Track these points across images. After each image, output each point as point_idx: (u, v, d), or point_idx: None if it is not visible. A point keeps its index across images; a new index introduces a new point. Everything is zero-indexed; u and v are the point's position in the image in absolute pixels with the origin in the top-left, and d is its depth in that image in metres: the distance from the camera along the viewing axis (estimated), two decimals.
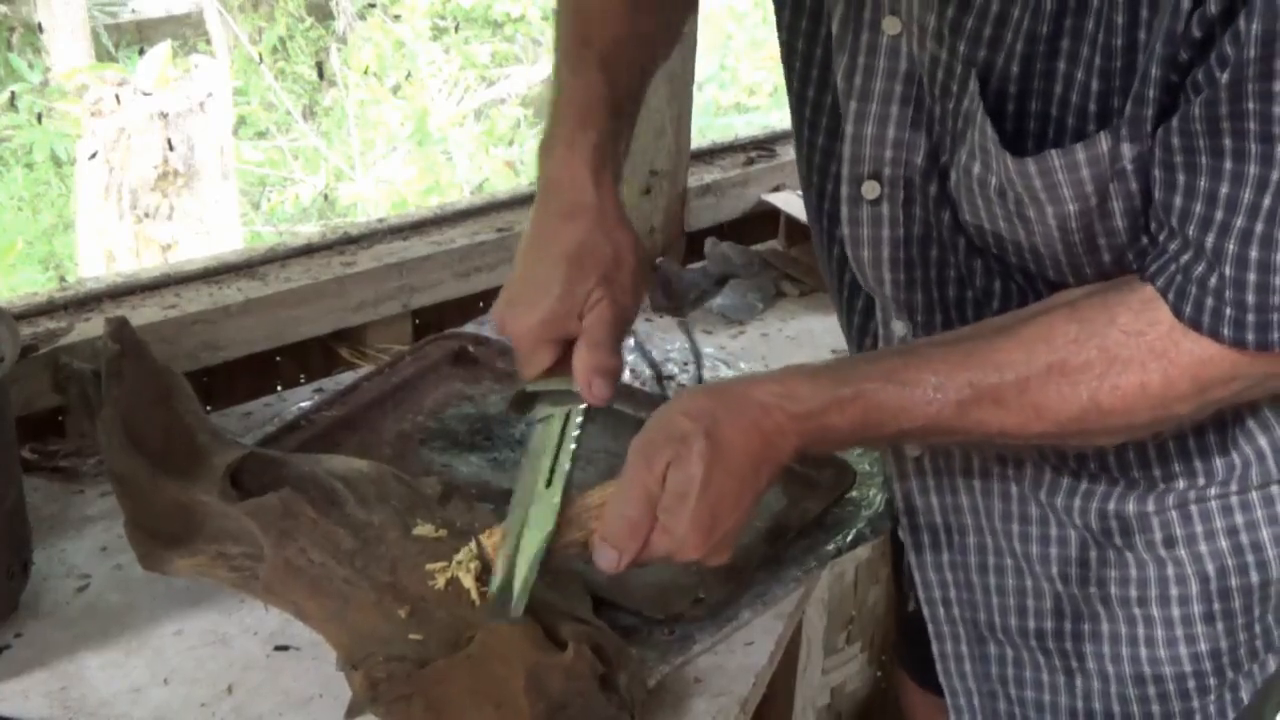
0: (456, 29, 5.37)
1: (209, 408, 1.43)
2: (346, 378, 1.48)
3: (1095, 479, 1.06)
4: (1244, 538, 1.05)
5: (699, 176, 1.99)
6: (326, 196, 4.91)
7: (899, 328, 1.09)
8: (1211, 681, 1.07)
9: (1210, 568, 1.05)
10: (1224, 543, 1.05)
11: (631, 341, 1.10)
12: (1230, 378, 0.89)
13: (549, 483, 1.00)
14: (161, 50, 4.04)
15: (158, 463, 1.09)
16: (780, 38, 1.12)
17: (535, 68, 5.44)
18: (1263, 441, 1.03)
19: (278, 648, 1.09)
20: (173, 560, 1.08)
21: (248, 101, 5.02)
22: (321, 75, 5.20)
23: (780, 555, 1.22)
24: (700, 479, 0.92)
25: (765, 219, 2.02)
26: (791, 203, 1.95)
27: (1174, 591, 1.06)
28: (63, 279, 4.04)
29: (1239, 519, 1.04)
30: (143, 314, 1.43)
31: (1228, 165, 0.83)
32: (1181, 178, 0.86)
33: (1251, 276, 0.84)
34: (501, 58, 5.45)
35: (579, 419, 1.03)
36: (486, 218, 1.77)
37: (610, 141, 1.07)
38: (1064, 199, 0.90)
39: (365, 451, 1.27)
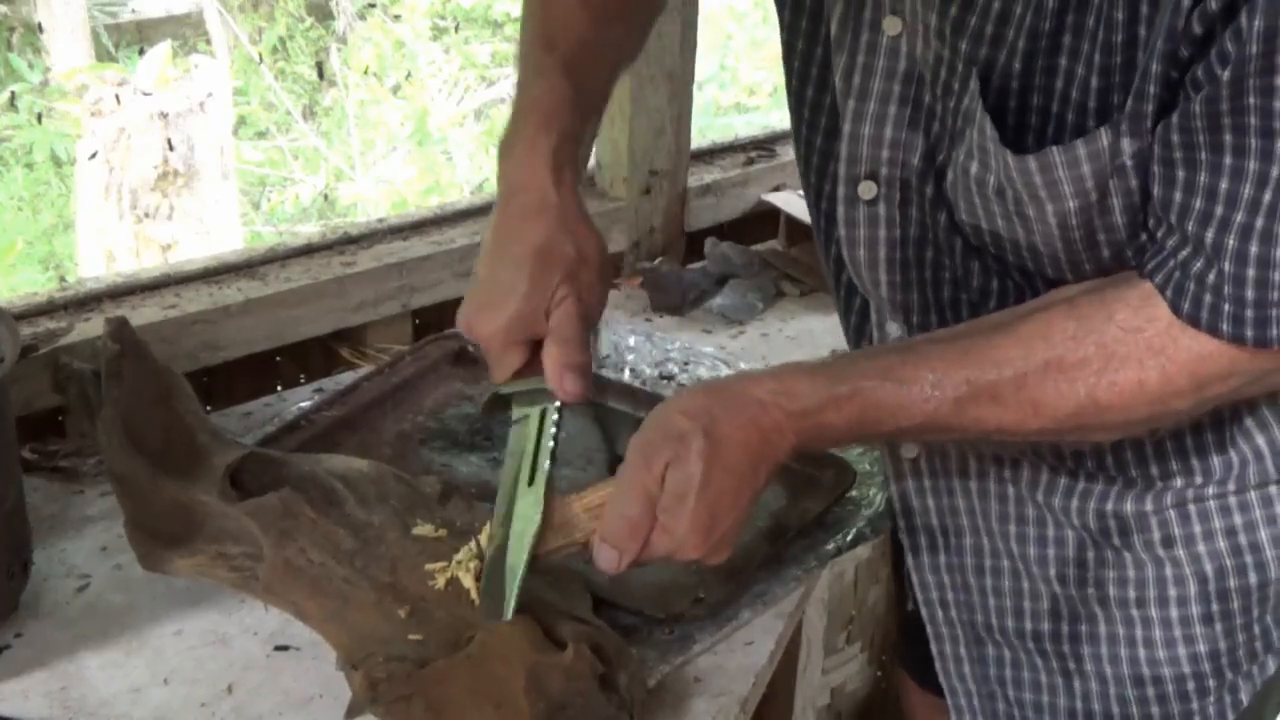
0: (456, 29, 5.37)
1: (209, 408, 1.43)
2: (346, 378, 1.48)
3: (1093, 478, 1.06)
4: (1242, 538, 1.05)
5: (699, 176, 1.99)
6: (326, 196, 4.91)
7: (894, 328, 1.09)
8: (1211, 683, 1.07)
9: (1209, 568, 1.05)
10: (1222, 543, 1.05)
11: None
12: (1228, 374, 0.89)
13: (531, 481, 1.01)
14: (161, 50, 4.04)
15: (158, 463, 1.09)
16: (781, 37, 1.12)
17: None
18: (1260, 441, 1.03)
19: (278, 648, 1.09)
20: (173, 560, 1.08)
21: (248, 101, 5.02)
22: (321, 75, 5.20)
23: (780, 555, 1.22)
24: (699, 478, 0.92)
25: (765, 219, 2.02)
26: (791, 203, 1.95)
27: (1173, 592, 1.06)
28: (63, 279, 4.04)
29: (1237, 519, 1.04)
30: (143, 314, 1.43)
31: (1228, 161, 0.83)
32: (1181, 173, 0.86)
33: (1250, 272, 0.84)
34: (501, 58, 5.45)
35: (554, 416, 1.03)
36: (486, 218, 1.77)
37: (571, 144, 1.07)
38: (1064, 195, 0.90)
39: (365, 451, 1.27)
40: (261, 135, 5.07)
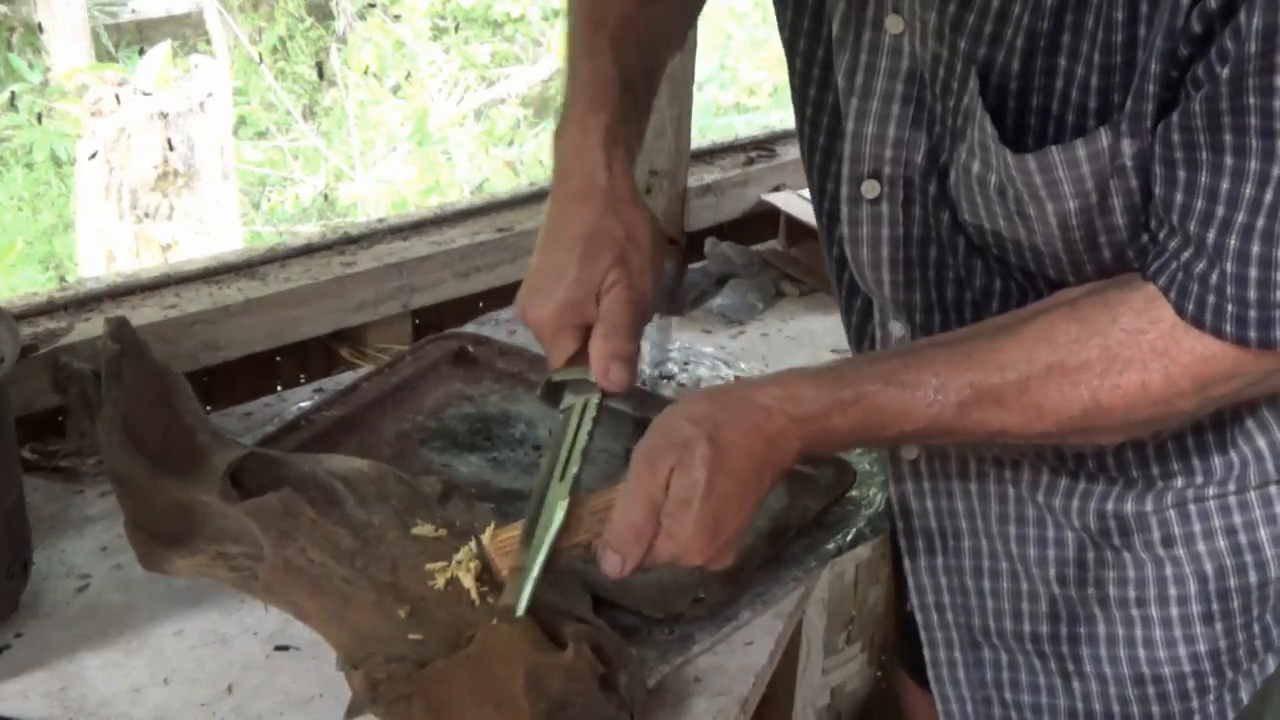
0: (456, 29, 5.37)
1: (209, 408, 1.43)
2: (346, 378, 1.48)
3: (1093, 479, 1.06)
4: (1242, 538, 1.05)
5: (699, 176, 1.99)
6: (326, 196, 4.90)
7: (897, 328, 1.09)
8: (1211, 682, 1.07)
9: (1209, 568, 1.05)
10: (1222, 543, 1.05)
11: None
12: (1232, 375, 0.89)
13: (562, 477, 1.01)
14: (161, 50, 4.04)
15: (158, 463, 1.09)
16: (782, 37, 1.12)
17: (535, 68, 5.44)
18: (1261, 442, 1.03)
19: (278, 648, 1.09)
20: (173, 560, 1.08)
21: (248, 101, 5.02)
22: (321, 75, 5.20)
23: (780, 555, 1.22)
24: (703, 484, 0.93)
25: (765, 219, 2.02)
26: (792, 203, 1.95)
27: (1173, 591, 1.06)
28: (63, 279, 4.04)
29: (1237, 519, 1.04)
30: (143, 314, 1.43)
31: (1229, 161, 0.83)
32: (1182, 174, 0.86)
33: (1253, 272, 0.84)
34: (501, 58, 5.45)
35: (593, 412, 1.03)
36: (486, 218, 1.77)
37: (622, 123, 1.07)
38: (1064, 195, 0.90)
39: (365, 451, 1.27)
40: (261, 135, 5.07)
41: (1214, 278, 0.86)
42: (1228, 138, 0.82)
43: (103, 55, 4.79)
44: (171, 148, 3.73)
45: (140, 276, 1.51)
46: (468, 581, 1.03)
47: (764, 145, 2.13)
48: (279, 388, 1.55)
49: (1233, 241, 0.84)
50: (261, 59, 5.10)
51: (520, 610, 0.97)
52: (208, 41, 5.01)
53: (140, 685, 1.04)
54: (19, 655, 1.06)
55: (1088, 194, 0.90)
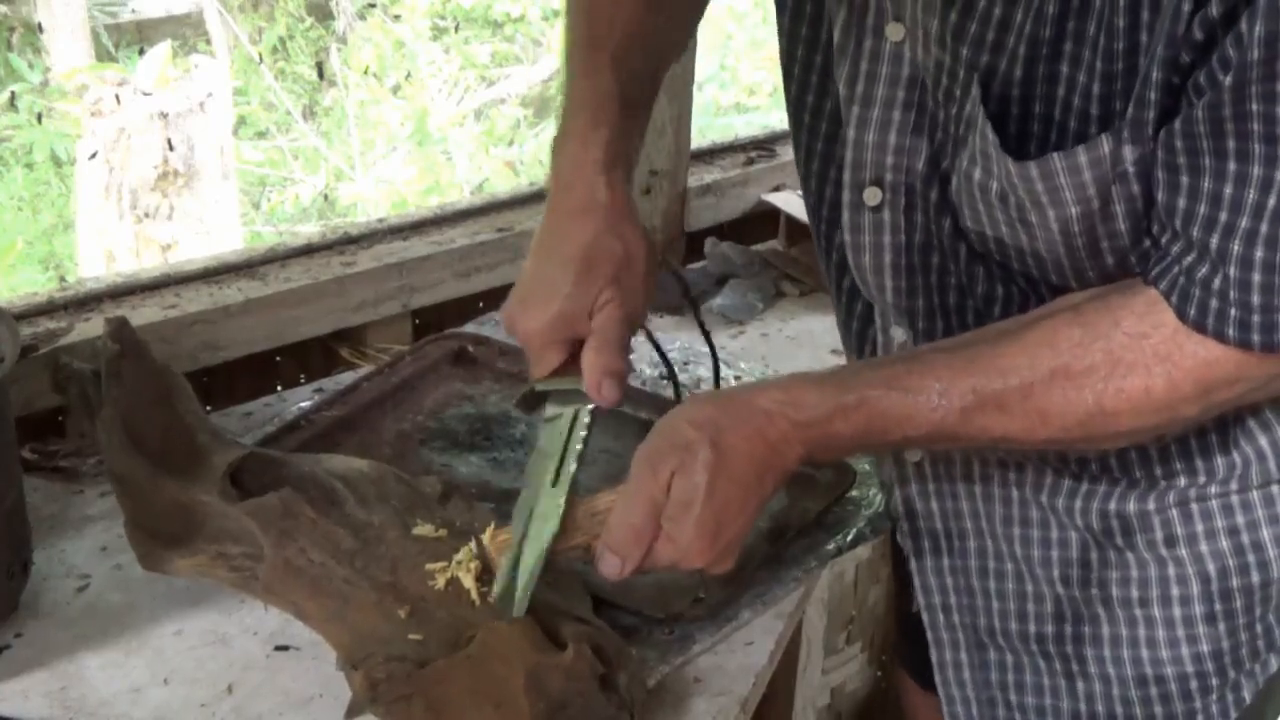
0: (456, 29, 5.37)
1: (209, 408, 1.43)
2: (346, 378, 1.48)
3: (1096, 479, 1.06)
4: (1245, 537, 1.05)
5: (699, 176, 1.99)
6: (326, 196, 4.91)
7: (898, 334, 1.09)
8: (1214, 681, 1.07)
9: (1211, 567, 1.05)
10: (1225, 542, 1.05)
11: (641, 337, 1.10)
12: (1235, 379, 0.89)
13: (555, 482, 1.01)
14: (161, 50, 4.04)
15: (158, 463, 1.09)
16: (780, 43, 1.12)
17: (535, 68, 5.44)
18: (1263, 441, 1.03)
19: (278, 648, 1.09)
20: (173, 560, 1.08)
21: (248, 101, 5.02)
22: (321, 75, 5.20)
23: (780, 555, 1.22)
24: (705, 487, 0.93)
25: (765, 219, 2.02)
26: (791, 202, 1.95)
27: (1175, 591, 1.06)
28: (63, 279, 4.04)
29: (1240, 519, 1.04)
30: (143, 314, 1.43)
31: (1231, 166, 0.83)
32: (1185, 179, 0.86)
33: (1256, 277, 0.84)
34: (501, 58, 5.45)
35: (586, 420, 1.03)
36: (486, 218, 1.77)
37: (622, 139, 1.07)
38: (1066, 202, 0.90)
39: (365, 451, 1.27)
40: (261, 135, 5.07)
41: (1217, 282, 0.86)
42: (1231, 143, 0.82)
43: (103, 55, 4.79)
44: (171, 148, 3.74)
45: (140, 276, 1.51)
46: (468, 581, 1.03)
47: (764, 145, 2.13)
48: (279, 388, 1.55)
49: (1236, 246, 0.84)
50: (261, 59, 5.10)
51: (519, 612, 0.97)
52: (208, 41, 5.01)
53: (140, 685, 1.04)
54: (19, 655, 1.06)
55: (1089, 200, 0.90)
